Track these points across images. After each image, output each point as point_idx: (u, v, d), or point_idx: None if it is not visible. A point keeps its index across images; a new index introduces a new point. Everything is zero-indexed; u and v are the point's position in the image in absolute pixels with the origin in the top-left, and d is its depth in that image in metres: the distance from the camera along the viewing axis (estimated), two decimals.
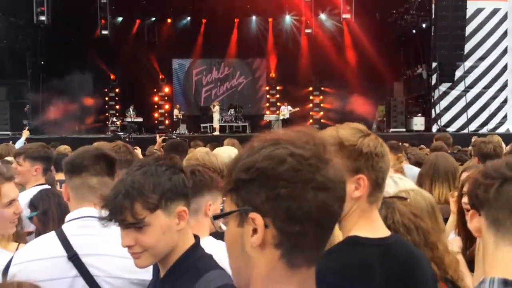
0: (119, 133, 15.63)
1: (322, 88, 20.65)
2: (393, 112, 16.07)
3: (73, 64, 17.35)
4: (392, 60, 17.81)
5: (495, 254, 0.99)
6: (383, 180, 1.44)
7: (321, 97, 20.91)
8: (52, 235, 1.91)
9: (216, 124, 17.78)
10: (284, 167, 0.87)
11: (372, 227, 1.45)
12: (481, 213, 1.04)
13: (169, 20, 20.73)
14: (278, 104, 20.11)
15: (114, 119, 18.44)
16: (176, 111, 19.06)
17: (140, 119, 18.83)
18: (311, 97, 21.02)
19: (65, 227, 1.92)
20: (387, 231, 1.49)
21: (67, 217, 1.98)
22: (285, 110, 18.04)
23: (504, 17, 14.80)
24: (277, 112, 18.98)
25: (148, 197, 1.44)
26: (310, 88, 20.87)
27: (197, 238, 1.61)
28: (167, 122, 20.99)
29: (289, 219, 0.87)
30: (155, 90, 21.33)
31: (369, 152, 1.41)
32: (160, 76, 21.36)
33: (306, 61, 20.35)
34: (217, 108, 17.95)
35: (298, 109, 18.38)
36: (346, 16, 17.37)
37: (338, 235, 1.62)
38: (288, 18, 20.71)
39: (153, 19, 20.82)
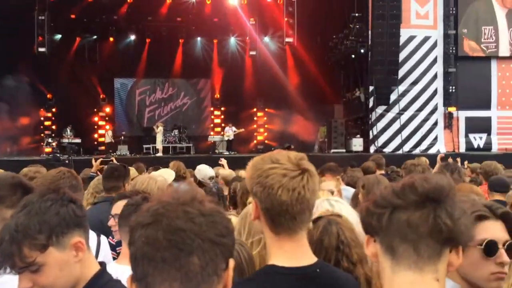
0: (58, 155, 14.90)
1: (266, 109, 20.96)
2: (334, 133, 16.57)
3: (7, 81, 16.50)
4: (333, 83, 18.46)
5: (392, 278, 1.02)
6: (283, 211, 1.41)
7: (265, 118, 21.19)
8: None
9: (159, 145, 17.46)
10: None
11: (290, 255, 1.44)
12: (376, 240, 1.06)
13: (111, 39, 20.32)
14: (223, 125, 20.14)
15: (50, 140, 17.62)
16: (109, 133, 18.63)
17: (78, 140, 18.12)
18: (255, 118, 21.25)
19: None
20: (311, 259, 1.48)
21: None
22: (230, 131, 18.10)
23: (434, 44, 15.83)
24: (222, 133, 18.99)
25: (34, 238, 1.37)
26: (254, 109, 21.12)
27: (103, 264, 1.57)
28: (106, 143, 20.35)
29: (133, 262, 0.96)
30: (95, 110, 20.66)
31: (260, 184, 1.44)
32: (101, 96, 20.75)
33: (250, 82, 20.63)
34: (160, 128, 17.67)
35: (242, 130, 18.50)
36: (289, 39, 17.88)
37: None
38: (233, 40, 20.98)
39: (94, 37, 20.31)
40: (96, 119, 20.68)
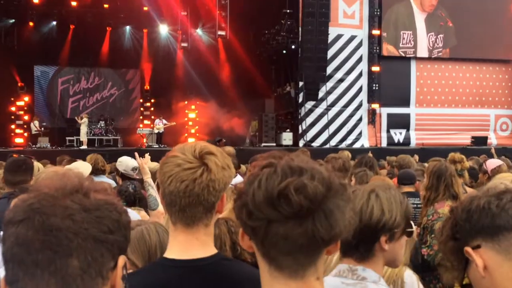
0: None
1: (197, 102, 20.73)
2: (265, 127, 16.78)
3: None
4: (264, 77, 18.66)
5: (271, 284, 0.97)
6: (172, 201, 1.40)
7: (196, 111, 20.96)
8: None
9: (83, 137, 16.63)
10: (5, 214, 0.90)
11: (183, 247, 1.40)
12: (252, 240, 0.99)
13: (31, 24, 18.98)
14: (153, 117, 19.65)
15: None
16: (35, 123, 17.35)
17: None
18: (186, 111, 20.95)
19: None
20: (206, 251, 1.43)
21: None
22: (160, 124, 17.69)
23: (360, 44, 16.51)
24: (152, 125, 18.52)
25: None
26: (186, 102, 20.81)
27: None
28: (26, 134, 19.04)
29: (5, 264, 0.85)
30: (12, 99, 19.21)
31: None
32: (19, 84, 19.33)
33: (182, 74, 20.27)
34: (85, 120, 16.83)
35: (174, 123, 18.17)
36: (222, 33, 17.76)
37: None
38: (164, 30, 20.46)
39: (12, 20, 18.86)
40: (13, 109, 19.25)
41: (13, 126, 19.04)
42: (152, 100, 20.98)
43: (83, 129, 16.67)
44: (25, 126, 19.15)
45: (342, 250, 1.57)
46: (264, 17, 17.88)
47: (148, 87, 21.14)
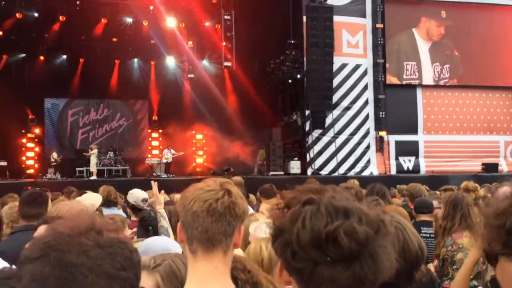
0: None
1: (205, 132, 20.88)
2: (272, 156, 16.81)
3: None
4: (270, 106, 18.82)
5: None
6: (194, 221, 1.44)
7: (204, 140, 21.09)
8: None
9: (93, 168, 16.76)
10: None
11: (203, 282, 1.41)
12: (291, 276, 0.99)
13: (41, 57, 19.43)
14: (161, 147, 19.78)
15: None
16: (54, 155, 17.57)
17: (4, 163, 16.95)
18: (194, 141, 21.08)
19: None
20: (226, 286, 1.44)
21: None
22: (168, 154, 17.81)
23: (365, 72, 16.69)
24: (160, 155, 18.63)
25: None
26: (193, 132, 20.97)
27: None
28: (36, 166, 19.20)
29: None
30: (23, 131, 19.48)
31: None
32: (30, 117, 19.64)
33: (189, 104, 20.52)
34: (94, 151, 17.01)
35: (182, 153, 18.29)
36: (228, 64, 18.07)
37: None
38: (171, 62, 20.84)
39: (23, 55, 19.32)
40: (24, 140, 19.49)
41: (24, 158, 19.23)
42: (160, 130, 21.17)
43: (93, 160, 16.82)
44: (35, 157, 19.34)
45: None
46: (269, 47, 18.18)
47: (156, 118, 21.37)
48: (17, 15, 17.19)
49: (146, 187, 6.69)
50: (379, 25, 16.93)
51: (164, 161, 17.77)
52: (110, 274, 0.86)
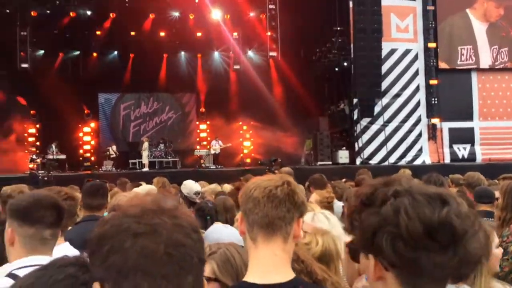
0: (35, 172, 14.63)
1: (251, 123, 20.99)
2: (320, 145, 16.66)
3: None
4: (317, 95, 18.62)
5: None
6: (255, 206, 1.49)
7: (250, 131, 21.22)
8: (7, 281, 1.74)
9: (145, 160, 17.35)
10: (106, 226, 0.88)
11: (264, 269, 1.45)
12: (388, 269, 0.99)
13: (94, 54, 20.22)
14: (209, 138, 20.10)
15: (34, 156, 17.32)
16: (113, 148, 18.38)
17: (63, 156, 17.87)
18: (241, 132, 21.26)
19: (19, 273, 1.77)
20: (286, 274, 1.46)
21: (16, 264, 1.88)
22: (216, 145, 18.09)
23: (415, 57, 16.11)
24: (208, 146, 18.95)
25: None
26: (240, 123, 21.14)
27: None
28: (93, 158, 20.10)
29: (118, 275, 0.85)
30: (79, 125, 20.44)
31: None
32: (86, 111, 20.55)
33: (235, 96, 20.68)
34: (146, 144, 17.59)
35: (230, 144, 18.53)
36: (273, 54, 18.04)
37: None
38: (216, 54, 21.06)
39: (77, 52, 20.19)
40: (80, 134, 20.45)
41: (81, 151, 20.20)
42: (208, 122, 21.50)
43: (145, 152, 17.39)
44: (91, 150, 20.25)
45: None
46: (314, 35, 17.96)
47: (204, 110, 21.72)
48: (71, 14, 17.96)
49: (195, 178, 6.87)
50: (430, 7, 16.28)
51: (212, 152, 18.06)
52: (201, 258, 0.91)
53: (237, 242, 2.20)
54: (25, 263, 1.87)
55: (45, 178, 13.22)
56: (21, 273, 1.78)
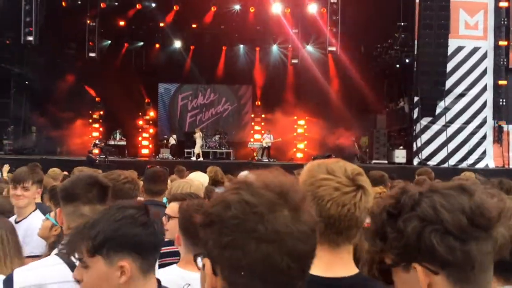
0: (91, 156, 15.40)
1: (307, 118, 20.86)
2: (376, 143, 16.27)
3: (59, 85, 17.29)
4: (375, 92, 18.15)
5: None
6: (330, 224, 1.40)
7: (305, 126, 21.09)
8: (56, 260, 1.87)
9: (197, 150, 17.74)
10: (228, 215, 0.86)
11: (327, 266, 1.42)
12: (437, 272, 0.96)
13: (157, 45, 20.89)
14: (263, 132, 20.22)
15: (97, 141, 18.25)
16: (174, 137, 18.99)
17: (123, 142, 18.69)
18: (295, 126, 21.18)
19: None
20: (349, 270, 1.44)
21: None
22: (267, 139, 18.18)
23: (484, 56, 15.27)
24: (261, 139, 19.06)
25: (91, 240, 1.42)
26: (295, 117, 21.06)
27: (159, 282, 1.54)
28: (151, 146, 20.87)
29: (233, 269, 0.85)
30: (140, 113, 21.25)
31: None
32: (146, 100, 21.34)
33: (292, 90, 20.61)
34: (199, 134, 17.98)
35: (280, 139, 18.55)
36: (332, 48, 17.74)
37: None
38: (275, 48, 21.06)
39: (141, 43, 20.95)
40: (141, 122, 21.28)
41: (140, 138, 21.03)
42: (263, 115, 21.61)
43: (198, 142, 17.79)
44: (150, 138, 21.02)
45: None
46: (376, 31, 17.47)
47: (259, 103, 21.84)
48: (138, 6, 18.65)
49: (249, 170, 6.91)
50: (504, 4, 15.32)
51: (264, 145, 18.15)
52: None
53: None
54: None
55: (101, 163, 13.87)
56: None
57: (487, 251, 0.95)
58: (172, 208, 2.62)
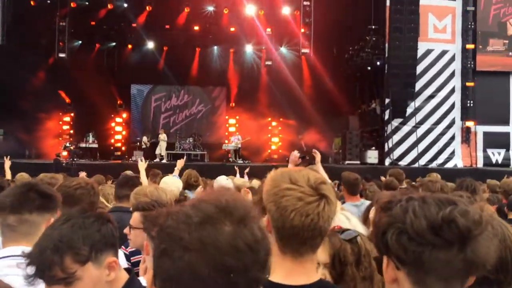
0: (59, 159, 15.04)
1: (280, 119, 20.96)
2: (349, 144, 16.49)
3: (27, 86, 16.82)
4: (348, 94, 18.40)
5: None
6: (294, 235, 1.40)
7: (279, 128, 21.19)
8: None
9: (162, 151, 17.63)
10: (165, 224, 0.88)
11: (289, 273, 1.42)
12: (399, 268, 1.03)
13: (129, 46, 20.59)
14: (237, 133, 20.19)
15: (68, 144, 17.84)
16: (145, 138, 18.77)
17: (95, 145, 18.33)
18: (269, 128, 21.26)
19: None
20: (310, 278, 1.44)
21: None
22: (236, 140, 18.21)
23: (452, 58, 15.70)
24: (226, 141, 19.10)
25: (78, 249, 1.42)
26: (269, 119, 21.14)
27: (131, 271, 1.59)
28: (123, 148, 20.53)
29: (164, 279, 0.87)
30: (112, 115, 20.90)
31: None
32: (118, 102, 20.99)
33: (265, 91, 20.67)
34: (163, 136, 17.91)
35: (249, 138, 18.58)
36: (305, 50, 17.92)
37: None
38: (249, 50, 21.09)
39: (113, 44, 20.61)
40: (113, 124, 20.91)
41: (112, 141, 20.66)
42: (237, 117, 21.60)
43: (163, 144, 17.68)
44: (122, 140, 20.69)
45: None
46: (348, 33, 17.74)
47: (233, 104, 21.82)
48: (109, 5, 18.33)
49: (223, 172, 6.93)
50: (471, 8, 15.79)
51: (234, 146, 18.18)
52: (257, 278, 0.92)
53: None
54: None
55: (69, 166, 13.56)
56: None
57: (445, 260, 0.97)
58: (134, 218, 2.58)
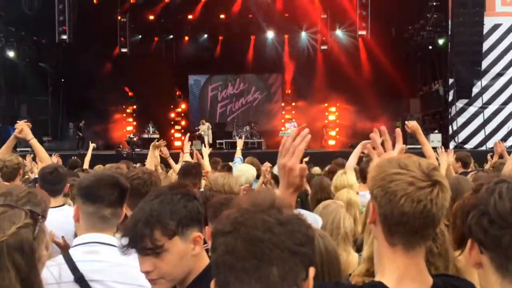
0: (120, 150, 15.80)
1: (337, 104, 20.59)
2: None
3: (93, 81, 17.73)
4: (408, 76, 17.73)
5: None
6: (404, 222, 1.30)
7: (337, 113, 20.83)
8: (59, 260, 1.95)
9: (210, 140, 17.92)
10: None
11: (402, 274, 1.31)
12: (483, 252, 1.02)
13: (186, 38, 21.06)
14: (293, 120, 20.10)
15: (131, 135, 18.66)
16: (203, 126, 19.03)
17: (157, 136, 19.01)
18: (326, 113, 20.97)
19: (72, 252, 1.99)
20: (425, 280, 1.33)
21: (75, 241, 2.04)
22: (292, 127, 18.10)
23: None
24: (282, 129, 19.03)
25: (166, 224, 1.52)
26: (326, 104, 20.83)
27: None
28: (183, 138, 21.09)
29: (216, 269, 0.99)
30: (172, 106, 21.56)
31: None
32: (177, 93, 21.60)
33: (322, 77, 20.36)
34: (207, 125, 18.13)
35: (305, 125, 18.33)
36: (362, 32, 17.42)
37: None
38: (304, 35, 20.84)
39: (171, 36, 21.18)
40: (172, 115, 21.57)
41: (172, 131, 21.34)
42: (293, 103, 21.49)
43: (208, 134, 17.95)
44: (182, 130, 21.30)
45: None
46: (407, 12, 17.00)
47: (289, 91, 21.72)
48: (165, 0, 18.82)
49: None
50: None
51: (288, 133, 18.09)
52: (291, 249, 0.94)
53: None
54: (83, 240, 2.01)
55: (129, 156, 14.20)
56: (75, 252, 1.96)
57: None
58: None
